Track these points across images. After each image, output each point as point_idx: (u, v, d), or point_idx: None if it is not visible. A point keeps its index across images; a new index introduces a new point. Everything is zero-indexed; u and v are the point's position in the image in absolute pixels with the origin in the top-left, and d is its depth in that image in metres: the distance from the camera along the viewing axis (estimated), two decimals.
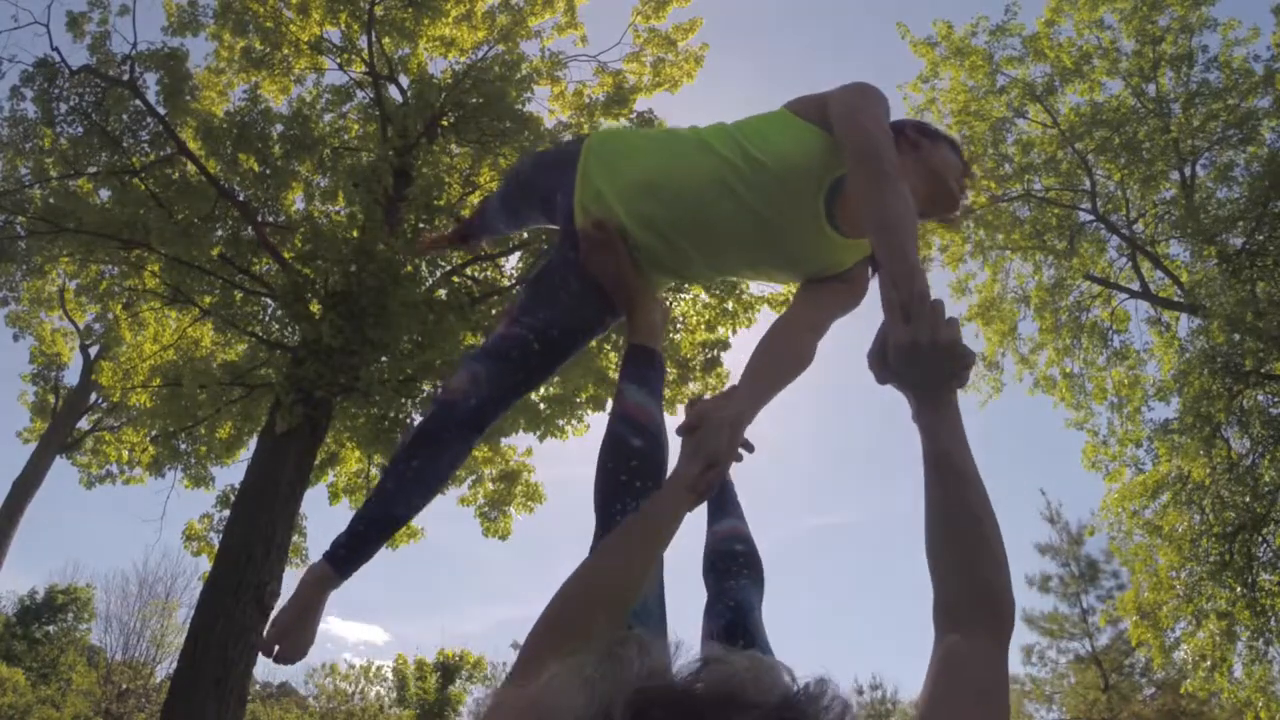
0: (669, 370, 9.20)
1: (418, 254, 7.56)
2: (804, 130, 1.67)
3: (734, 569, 2.19)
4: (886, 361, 1.18)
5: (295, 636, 1.65)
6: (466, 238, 2.63)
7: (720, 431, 1.44)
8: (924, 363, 1.14)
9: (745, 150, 1.68)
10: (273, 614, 1.75)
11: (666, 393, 9.28)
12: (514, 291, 9.15)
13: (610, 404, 1.76)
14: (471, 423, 1.70)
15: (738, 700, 0.58)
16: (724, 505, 2.39)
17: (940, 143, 1.80)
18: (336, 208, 9.76)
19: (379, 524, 1.69)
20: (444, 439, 1.69)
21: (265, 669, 24.19)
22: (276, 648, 1.63)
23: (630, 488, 1.60)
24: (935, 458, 1.08)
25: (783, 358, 1.71)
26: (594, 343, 8.88)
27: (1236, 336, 9.41)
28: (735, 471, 2.18)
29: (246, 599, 7.13)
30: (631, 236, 1.76)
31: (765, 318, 9.67)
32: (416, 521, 10.64)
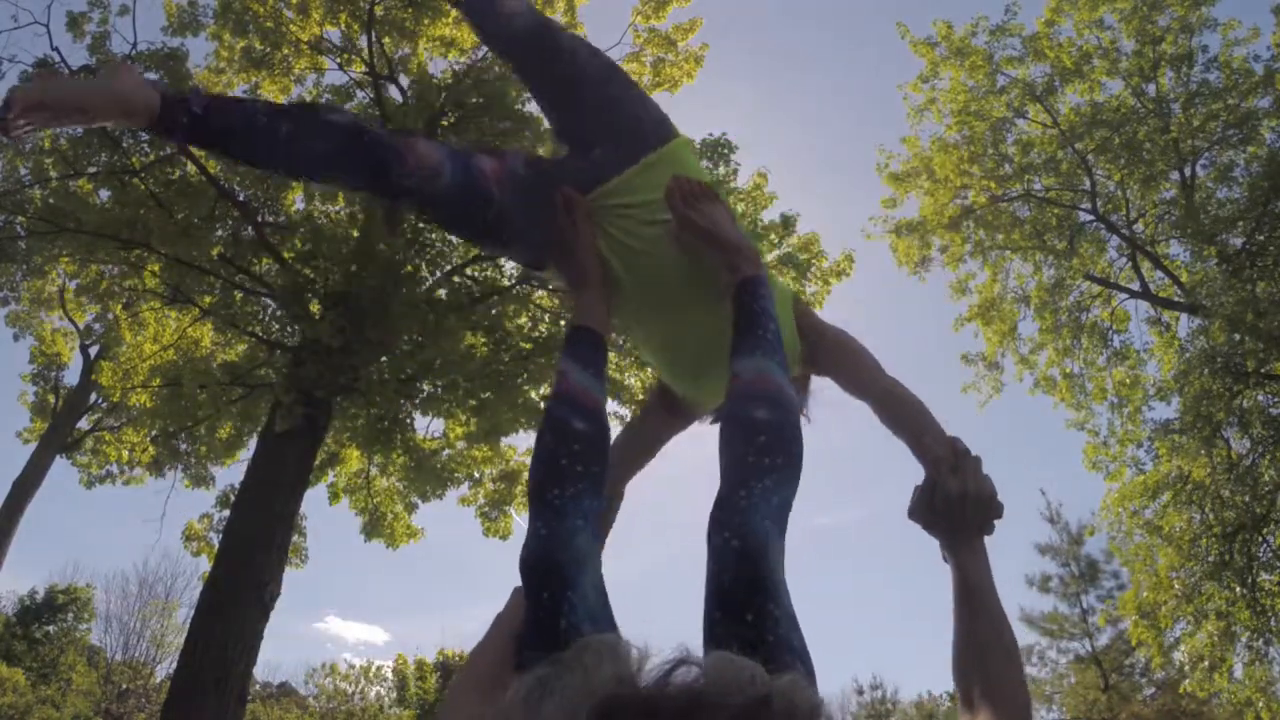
0: None
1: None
2: (792, 337, 1.81)
3: (750, 457, 1.37)
4: (932, 510, 1.39)
5: (56, 114, 1.45)
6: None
7: None
8: (966, 510, 1.35)
9: None
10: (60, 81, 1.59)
11: None
12: (514, 291, 9.15)
13: (553, 384, 1.65)
14: (392, 189, 1.66)
15: (706, 702, 0.58)
16: (749, 331, 1.56)
17: None
18: (336, 208, 9.75)
19: (248, 140, 1.57)
20: (368, 158, 1.63)
21: (265, 669, 24.23)
22: (20, 118, 1.40)
23: (571, 472, 1.47)
24: (967, 591, 1.28)
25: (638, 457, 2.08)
26: None
27: (1237, 336, 9.40)
28: None
29: (246, 599, 7.13)
30: (613, 258, 1.75)
31: None
32: (416, 521, 10.68)
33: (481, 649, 1.41)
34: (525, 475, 10.50)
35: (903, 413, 1.68)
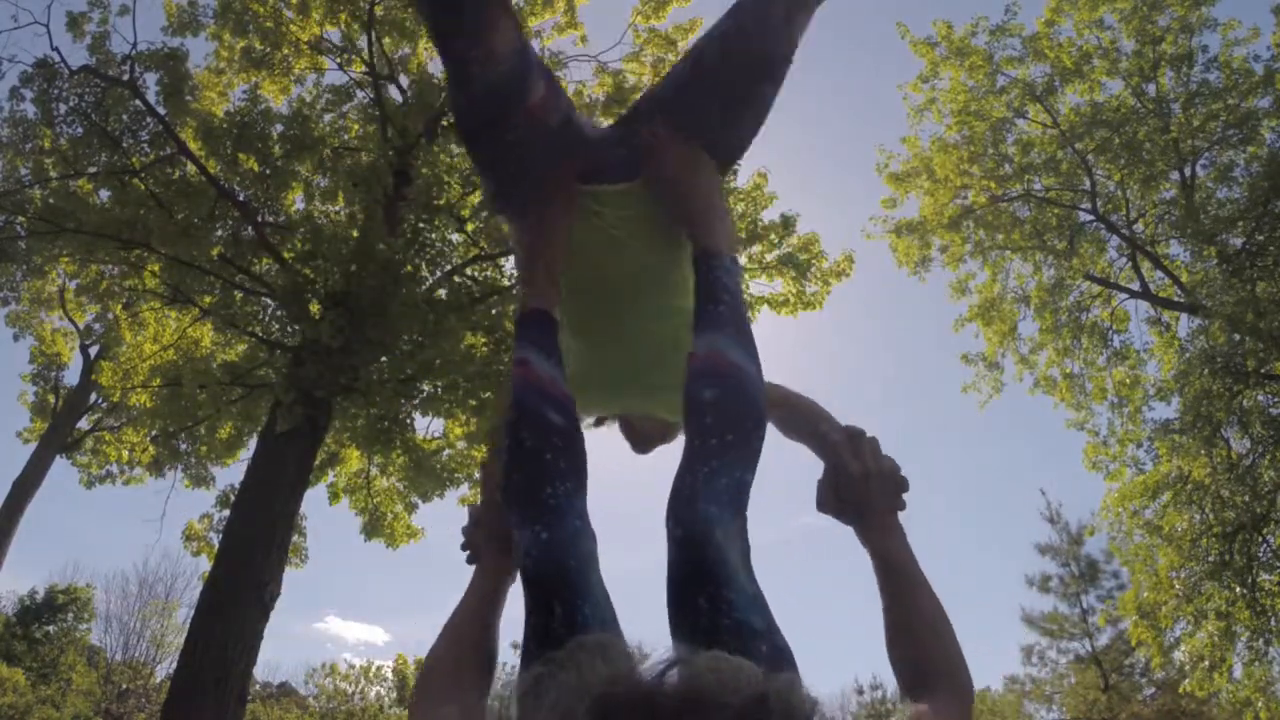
0: None
1: None
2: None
3: (697, 440, 1.33)
4: (839, 497, 1.37)
5: None
6: None
7: None
8: (871, 489, 1.33)
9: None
10: None
11: None
12: (514, 291, 9.14)
13: (513, 374, 1.50)
14: (451, 44, 1.59)
15: (703, 701, 0.58)
16: (704, 306, 1.52)
17: None
18: (336, 208, 9.76)
19: None
20: None
21: (265, 669, 24.23)
22: None
23: (557, 468, 1.34)
24: (888, 569, 1.26)
25: None
26: None
27: (1237, 336, 9.40)
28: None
29: (246, 599, 7.12)
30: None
31: (766, 318, 9.68)
32: (416, 521, 10.67)
33: (449, 633, 1.35)
34: None
35: (796, 411, 1.65)
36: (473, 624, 1.36)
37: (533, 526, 1.29)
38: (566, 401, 1.44)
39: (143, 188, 8.77)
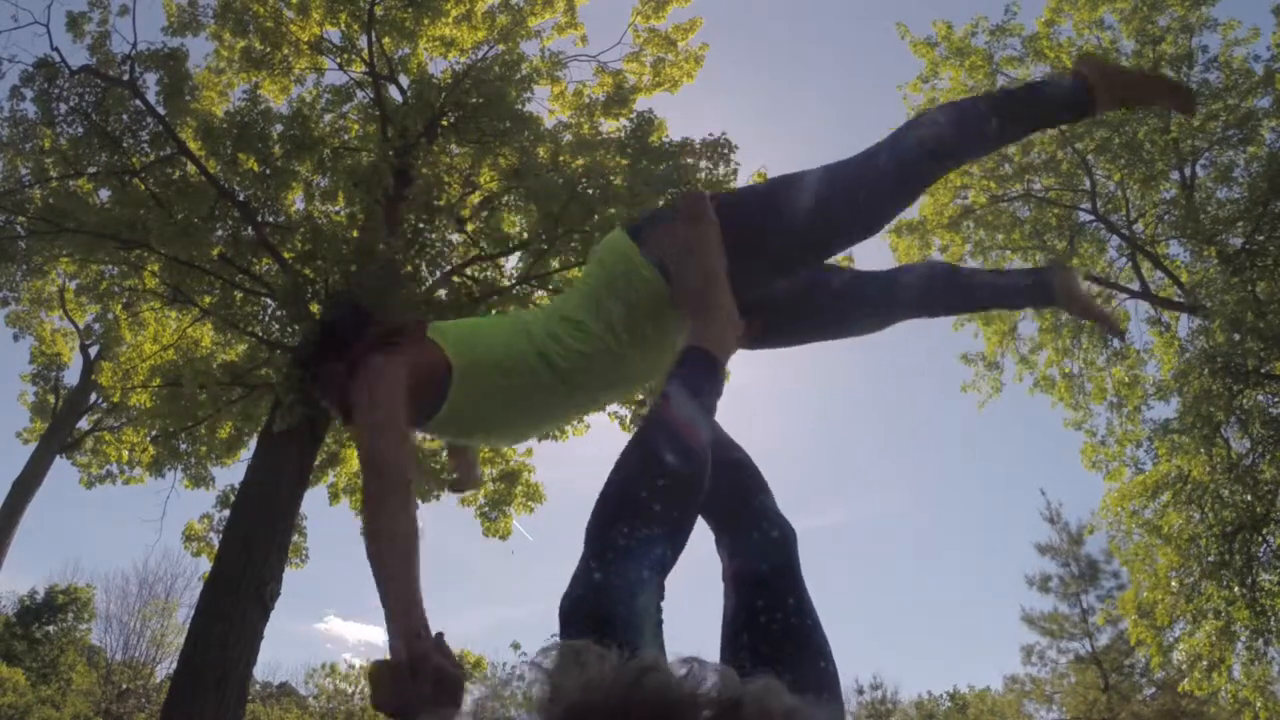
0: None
1: None
2: None
3: (751, 482, 1.61)
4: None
5: None
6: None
7: None
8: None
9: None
10: None
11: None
12: (514, 291, 9.14)
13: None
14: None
15: (677, 708, 0.58)
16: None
17: None
18: (336, 208, 9.75)
19: None
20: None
21: (265, 669, 24.21)
22: None
23: (648, 510, 1.40)
24: None
25: None
26: None
27: (1237, 336, 9.40)
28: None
29: (246, 599, 7.12)
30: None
31: None
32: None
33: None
34: (525, 475, 10.48)
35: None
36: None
37: (589, 563, 1.22)
38: (695, 449, 1.33)
39: (143, 188, 8.77)
